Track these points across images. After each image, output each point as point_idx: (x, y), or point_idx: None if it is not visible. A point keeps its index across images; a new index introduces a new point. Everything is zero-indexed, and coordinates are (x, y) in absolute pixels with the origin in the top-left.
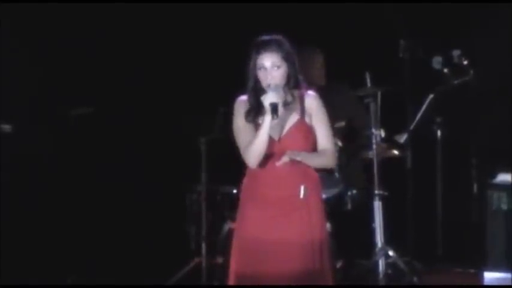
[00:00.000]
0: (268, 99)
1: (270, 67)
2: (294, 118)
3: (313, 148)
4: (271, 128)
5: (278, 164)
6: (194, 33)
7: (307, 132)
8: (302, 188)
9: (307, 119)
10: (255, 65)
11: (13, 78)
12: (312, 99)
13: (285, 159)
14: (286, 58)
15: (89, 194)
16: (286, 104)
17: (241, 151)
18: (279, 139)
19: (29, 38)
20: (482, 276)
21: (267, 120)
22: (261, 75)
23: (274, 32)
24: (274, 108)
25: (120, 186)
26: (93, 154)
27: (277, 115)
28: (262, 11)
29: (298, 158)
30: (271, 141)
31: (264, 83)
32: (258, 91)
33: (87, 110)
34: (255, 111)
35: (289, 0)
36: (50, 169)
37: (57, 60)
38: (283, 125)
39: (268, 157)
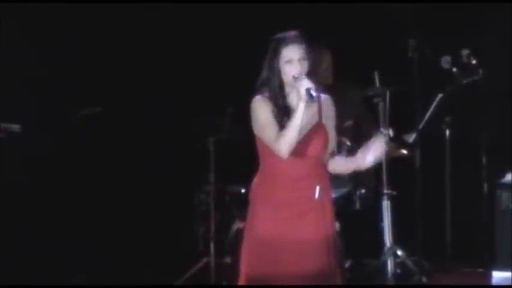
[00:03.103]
0: (304, 85)
1: (298, 59)
2: (313, 120)
3: (326, 150)
4: None
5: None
6: (203, 34)
7: (325, 134)
8: (317, 188)
9: (324, 122)
10: (279, 58)
11: (21, 78)
12: (329, 103)
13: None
14: (307, 51)
15: (97, 193)
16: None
17: (272, 143)
18: (300, 139)
19: (38, 38)
20: (490, 276)
21: (301, 106)
22: (288, 68)
23: (281, 32)
24: (310, 92)
25: (129, 185)
26: (102, 154)
27: (314, 99)
28: (271, 11)
29: None
30: None
31: (288, 76)
32: (283, 90)
33: (96, 110)
34: (282, 112)
35: (298, 0)
36: (59, 169)
37: (65, 60)
38: (302, 126)
39: (287, 157)
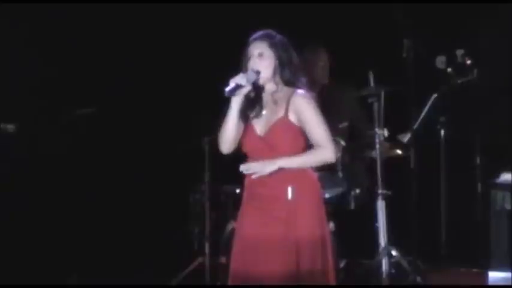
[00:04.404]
0: (234, 80)
1: (257, 55)
2: (278, 115)
3: (301, 146)
4: (257, 123)
5: (254, 176)
6: (197, 33)
7: (290, 130)
8: (290, 189)
9: (291, 117)
10: (246, 56)
11: (16, 78)
12: (298, 98)
13: (255, 174)
14: (273, 47)
15: (92, 193)
16: (274, 101)
17: None
18: (263, 136)
19: (32, 38)
20: (486, 276)
21: (232, 103)
22: (250, 64)
23: (278, 31)
24: (234, 88)
25: (124, 185)
26: (97, 154)
27: (233, 94)
28: (266, 10)
29: (267, 170)
30: (255, 137)
31: None
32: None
33: (91, 110)
34: (247, 107)
35: (294, 0)
36: (53, 169)
37: (60, 60)
38: (268, 121)
39: (254, 154)
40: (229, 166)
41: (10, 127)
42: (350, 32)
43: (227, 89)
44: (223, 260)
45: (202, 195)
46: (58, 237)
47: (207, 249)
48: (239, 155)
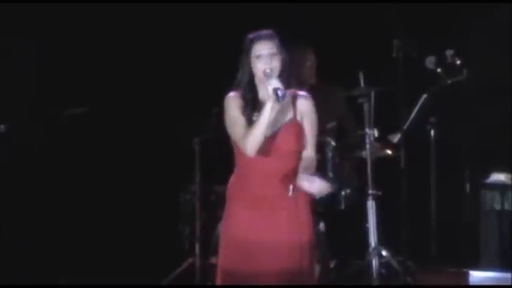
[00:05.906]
0: (272, 85)
1: (267, 55)
2: (286, 116)
3: (300, 148)
4: None
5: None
6: (187, 34)
7: (298, 132)
8: (291, 186)
9: (298, 119)
10: (250, 54)
11: (7, 78)
12: (305, 101)
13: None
14: (280, 47)
15: (83, 193)
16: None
17: (238, 141)
18: (271, 136)
19: (23, 38)
20: (468, 276)
21: (268, 106)
22: (258, 63)
23: None
24: (277, 93)
25: (114, 186)
26: (87, 154)
27: (281, 99)
28: (255, 11)
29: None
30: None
31: (259, 72)
32: (253, 85)
33: (82, 110)
34: (251, 107)
35: (283, 0)
36: (44, 169)
37: (51, 60)
38: (276, 122)
39: (259, 154)
40: (220, 167)
41: (0, 127)
42: (340, 33)
43: (280, 95)
44: (213, 260)
45: (192, 196)
46: (49, 238)
47: (197, 250)
48: (228, 156)
